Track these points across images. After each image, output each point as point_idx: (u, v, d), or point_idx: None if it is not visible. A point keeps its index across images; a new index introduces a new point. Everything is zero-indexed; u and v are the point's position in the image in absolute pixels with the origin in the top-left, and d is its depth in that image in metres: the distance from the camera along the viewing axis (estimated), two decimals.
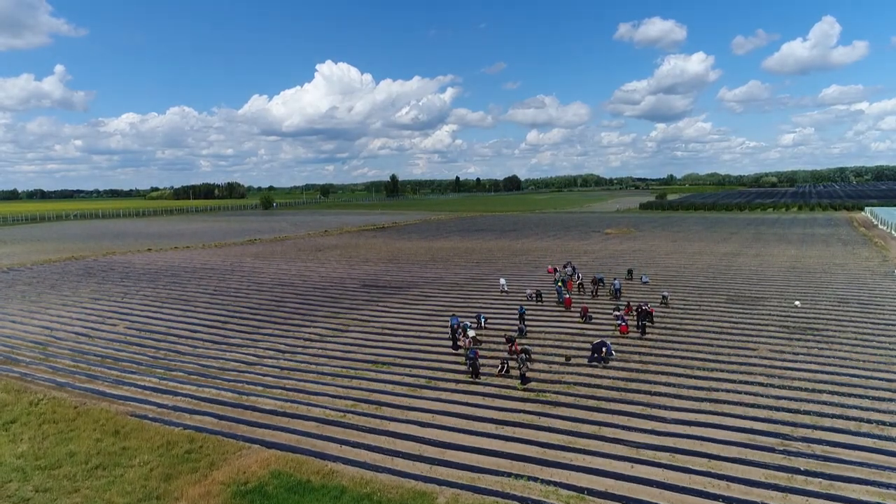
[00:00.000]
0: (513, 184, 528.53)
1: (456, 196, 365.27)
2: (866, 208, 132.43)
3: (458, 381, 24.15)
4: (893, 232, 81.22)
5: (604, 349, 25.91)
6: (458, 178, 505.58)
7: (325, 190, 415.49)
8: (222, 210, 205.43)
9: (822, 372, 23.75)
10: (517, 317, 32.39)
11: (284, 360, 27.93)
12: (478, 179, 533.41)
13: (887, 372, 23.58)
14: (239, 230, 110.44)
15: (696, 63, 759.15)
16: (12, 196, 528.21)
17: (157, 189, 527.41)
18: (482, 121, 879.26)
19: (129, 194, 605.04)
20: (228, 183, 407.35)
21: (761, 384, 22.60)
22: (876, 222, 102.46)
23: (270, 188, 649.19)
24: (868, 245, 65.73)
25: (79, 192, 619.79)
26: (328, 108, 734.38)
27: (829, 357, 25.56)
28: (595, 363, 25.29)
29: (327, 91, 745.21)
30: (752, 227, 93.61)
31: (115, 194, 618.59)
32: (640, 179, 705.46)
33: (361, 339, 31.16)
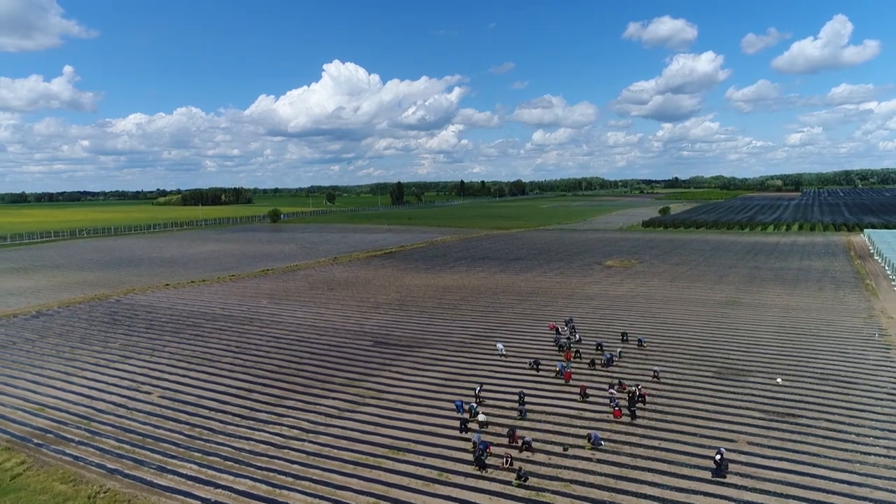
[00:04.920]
0: (518, 188, 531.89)
1: (461, 202, 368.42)
2: (865, 230, 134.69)
3: (466, 475, 27.06)
4: (887, 268, 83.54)
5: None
6: (462, 181, 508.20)
7: (331, 195, 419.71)
8: (231, 224, 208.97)
9: (793, 472, 26.50)
10: (516, 387, 35.18)
11: (309, 441, 30.93)
12: (483, 182, 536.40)
13: (850, 473, 26.34)
14: (251, 254, 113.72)
15: (706, 62, 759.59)
16: (20, 199, 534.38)
17: (163, 192, 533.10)
18: (489, 121, 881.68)
19: (136, 196, 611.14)
20: (235, 188, 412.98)
21: (735, 486, 25.41)
22: (872, 251, 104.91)
23: (276, 191, 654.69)
24: (858, 289, 68.30)
25: (85, 193, 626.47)
26: (335, 108, 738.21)
27: (801, 453, 28.27)
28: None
29: (334, 91, 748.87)
30: (750, 258, 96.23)
31: (121, 196, 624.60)
32: (644, 181, 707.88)
33: (377, 415, 34.13)
